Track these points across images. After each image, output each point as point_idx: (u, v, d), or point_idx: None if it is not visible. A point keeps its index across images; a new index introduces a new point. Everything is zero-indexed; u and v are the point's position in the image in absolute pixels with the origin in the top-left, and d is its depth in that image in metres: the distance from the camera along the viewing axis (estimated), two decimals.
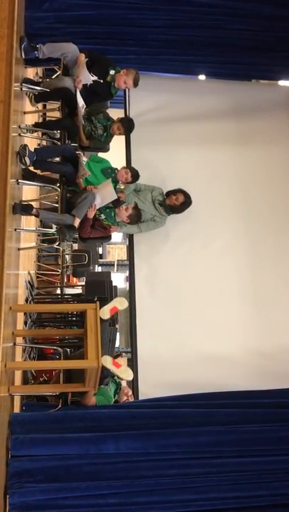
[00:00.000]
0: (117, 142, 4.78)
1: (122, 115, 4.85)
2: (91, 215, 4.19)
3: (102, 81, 4.38)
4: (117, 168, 4.46)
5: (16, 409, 3.69)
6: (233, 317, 4.47)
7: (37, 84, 4.43)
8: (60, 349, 4.18)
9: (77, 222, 4.08)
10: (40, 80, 4.76)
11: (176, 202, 4.45)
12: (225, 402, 3.74)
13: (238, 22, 4.69)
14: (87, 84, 4.34)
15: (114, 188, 4.34)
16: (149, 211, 4.45)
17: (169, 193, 4.51)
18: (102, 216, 4.31)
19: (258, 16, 4.70)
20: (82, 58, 4.29)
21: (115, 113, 4.81)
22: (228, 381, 4.03)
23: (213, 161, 4.89)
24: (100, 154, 4.81)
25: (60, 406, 3.73)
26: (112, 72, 4.37)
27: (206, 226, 4.67)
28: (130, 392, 4.07)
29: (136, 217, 4.33)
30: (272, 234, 4.72)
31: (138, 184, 4.57)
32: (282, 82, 5.25)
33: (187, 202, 4.48)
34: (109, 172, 4.41)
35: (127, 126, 4.55)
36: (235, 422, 3.61)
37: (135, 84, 4.41)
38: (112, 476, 3.34)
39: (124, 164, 4.68)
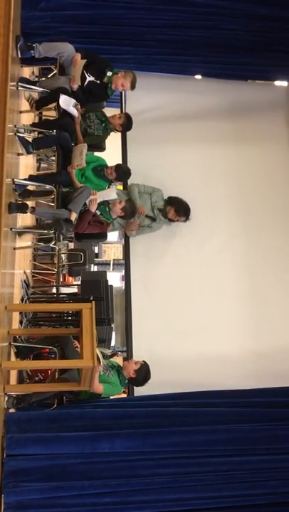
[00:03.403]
0: (113, 142, 4.78)
1: None
2: (93, 208, 4.20)
3: (98, 82, 4.38)
4: (107, 166, 4.47)
5: (11, 409, 3.68)
6: (229, 317, 4.49)
7: (33, 83, 4.43)
8: (55, 349, 4.16)
9: (73, 217, 4.08)
10: (37, 79, 4.75)
11: (175, 219, 4.49)
12: (221, 401, 3.76)
13: (234, 22, 4.71)
14: (83, 84, 4.35)
15: (109, 187, 4.39)
16: (147, 217, 4.44)
17: (172, 204, 4.45)
18: (98, 212, 4.32)
19: (254, 17, 4.72)
20: (78, 58, 4.29)
21: (112, 112, 4.80)
22: (223, 380, 4.05)
23: (210, 161, 4.91)
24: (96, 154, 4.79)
25: (55, 405, 3.73)
26: (109, 73, 4.38)
27: (203, 225, 4.68)
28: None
29: (130, 210, 4.32)
30: (269, 233, 4.74)
31: (139, 185, 4.57)
32: (278, 82, 5.27)
33: (186, 220, 4.53)
34: (100, 170, 4.41)
35: (128, 121, 4.55)
36: (231, 421, 3.62)
37: (132, 86, 4.44)
38: (107, 475, 3.34)
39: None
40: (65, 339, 3.90)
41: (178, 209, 4.46)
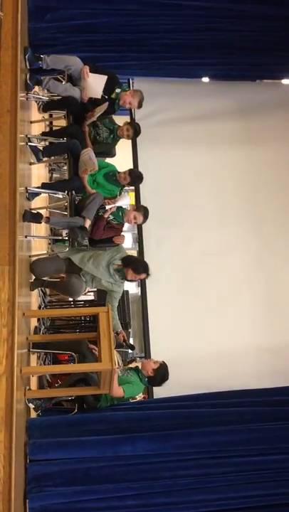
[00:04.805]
0: (123, 147, 4.83)
1: (128, 120, 4.90)
2: (106, 214, 4.25)
3: (106, 97, 4.45)
4: (120, 172, 4.51)
5: (33, 415, 3.72)
6: (244, 317, 4.48)
7: (45, 71, 4.43)
8: (74, 354, 4.19)
9: (87, 224, 4.11)
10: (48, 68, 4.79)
11: (136, 279, 4.16)
12: (239, 401, 3.75)
13: (239, 23, 4.74)
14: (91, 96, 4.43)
15: (120, 192, 4.45)
16: (103, 278, 4.06)
17: (127, 265, 4.03)
18: (111, 216, 4.36)
19: (259, 17, 4.75)
20: (87, 71, 4.34)
21: (120, 119, 4.86)
22: (240, 380, 4.04)
23: (220, 161, 4.93)
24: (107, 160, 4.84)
25: (76, 410, 3.76)
26: (118, 90, 4.48)
27: (215, 226, 4.70)
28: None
29: (145, 217, 4.37)
30: (280, 232, 4.74)
31: None
32: (285, 81, 5.27)
33: (147, 277, 4.15)
34: (111, 176, 4.46)
35: (135, 129, 4.60)
36: (251, 420, 3.61)
37: (139, 105, 4.56)
38: (130, 478, 3.35)
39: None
40: (82, 345, 3.93)
41: (135, 268, 4.03)
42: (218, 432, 3.53)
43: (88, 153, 4.20)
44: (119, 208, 4.39)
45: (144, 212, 4.35)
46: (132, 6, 4.56)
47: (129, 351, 5.53)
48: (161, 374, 3.80)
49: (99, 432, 3.46)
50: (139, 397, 5.09)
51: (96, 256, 4.11)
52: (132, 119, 4.90)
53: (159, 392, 3.96)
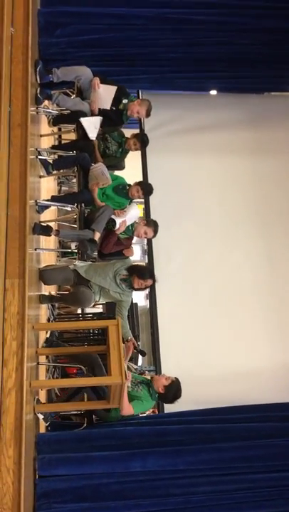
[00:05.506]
0: (132, 159, 4.85)
1: (134, 133, 4.92)
2: (120, 230, 4.24)
3: (114, 108, 4.47)
4: (129, 185, 4.51)
5: (42, 429, 3.68)
6: (257, 331, 4.45)
7: (55, 84, 4.47)
8: (83, 368, 4.16)
9: (97, 236, 4.11)
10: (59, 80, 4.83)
11: (142, 287, 4.08)
12: (252, 416, 3.69)
13: (246, 37, 4.77)
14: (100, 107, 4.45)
15: (130, 203, 4.44)
16: (111, 288, 4.01)
17: (133, 272, 4.00)
18: None
19: (265, 30, 4.77)
20: (97, 81, 4.38)
21: (130, 132, 4.88)
22: (252, 394, 4.00)
23: (230, 172, 4.96)
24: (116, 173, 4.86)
25: (85, 425, 3.72)
26: (125, 101, 4.50)
27: (226, 237, 4.71)
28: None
29: (155, 232, 4.36)
30: None
31: None
32: None
33: (154, 283, 4.13)
34: (121, 189, 4.46)
35: (143, 140, 4.61)
36: (263, 436, 3.55)
37: (148, 114, 4.56)
38: (140, 495, 3.30)
39: (141, 179, 4.74)
40: (92, 358, 3.90)
41: (141, 274, 3.99)
42: (229, 448, 3.47)
43: (100, 168, 4.21)
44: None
45: (154, 227, 4.34)
46: (139, 21, 4.60)
47: (135, 366, 5.49)
48: (173, 391, 3.68)
49: (108, 448, 3.42)
50: (149, 411, 5.04)
51: (103, 267, 4.09)
52: (141, 129, 4.93)
53: (170, 406, 3.91)
